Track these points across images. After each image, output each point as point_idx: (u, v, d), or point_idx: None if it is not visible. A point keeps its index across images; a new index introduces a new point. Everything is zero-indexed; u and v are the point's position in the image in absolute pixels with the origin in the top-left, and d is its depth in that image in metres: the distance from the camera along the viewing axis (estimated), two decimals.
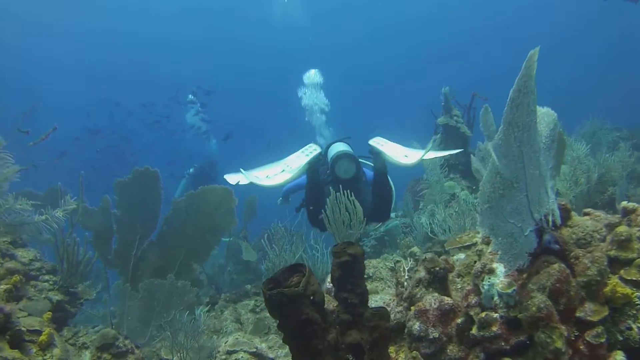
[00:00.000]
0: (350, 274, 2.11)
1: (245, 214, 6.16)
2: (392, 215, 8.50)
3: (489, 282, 2.16)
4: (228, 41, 27.62)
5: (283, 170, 4.02)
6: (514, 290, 2.06)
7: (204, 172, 9.95)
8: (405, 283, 2.66)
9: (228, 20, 26.13)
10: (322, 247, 5.96)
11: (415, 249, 4.35)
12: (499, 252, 2.08)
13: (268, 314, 4.83)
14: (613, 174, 5.34)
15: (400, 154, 4.24)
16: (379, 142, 4.42)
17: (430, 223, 5.16)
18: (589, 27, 27.92)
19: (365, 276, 4.03)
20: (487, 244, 2.49)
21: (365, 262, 4.23)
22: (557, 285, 1.96)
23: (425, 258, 2.59)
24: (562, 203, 2.39)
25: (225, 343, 3.74)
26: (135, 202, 3.69)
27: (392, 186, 4.48)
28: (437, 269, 2.43)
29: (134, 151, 19.53)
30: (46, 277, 3.59)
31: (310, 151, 4.34)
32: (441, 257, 2.67)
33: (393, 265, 4.14)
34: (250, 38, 27.23)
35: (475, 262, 2.57)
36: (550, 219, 2.19)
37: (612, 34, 27.41)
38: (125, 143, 19.45)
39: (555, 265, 2.00)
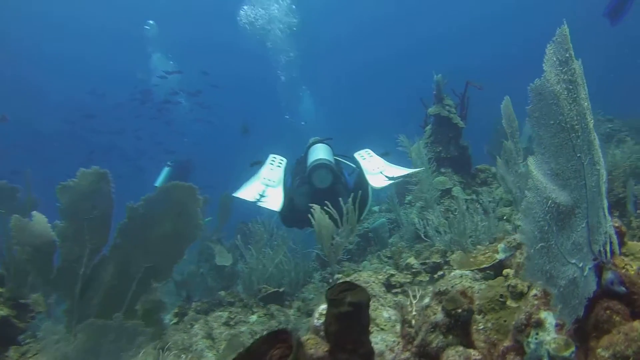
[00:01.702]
0: (351, 328, 1.54)
1: (219, 215, 5.52)
2: (376, 209, 8.01)
3: (536, 339, 1.57)
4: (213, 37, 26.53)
5: (268, 186, 3.80)
6: (573, 353, 1.49)
7: (184, 167, 9.41)
8: (414, 321, 2.08)
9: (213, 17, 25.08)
10: (302, 247, 5.47)
11: (411, 260, 3.80)
12: (559, 306, 1.50)
13: (243, 328, 4.33)
14: (618, 172, 4.86)
15: (376, 169, 4.05)
16: (361, 155, 4.27)
17: (424, 225, 4.60)
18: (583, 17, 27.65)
19: None
20: (521, 277, 1.93)
21: (354, 274, 3.71)
22: None
23: (441, 291, 2.02)
24: (617, 225, 1.82)
25: None
26: (83, 210, 3.03)
27: (370, 196, 4.26)
28: (460, 311, 1.84)
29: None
30: None
31: (279, 162, 4.20)
32: (459, 287, 2.10)
33: (387, 278, 3.58)
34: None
35: (501, 295, 2.00)
36: (608, 248, 1.62)
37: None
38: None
39: (637, 325, 1.43)
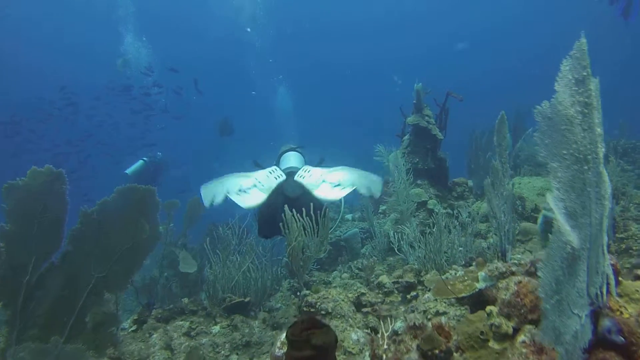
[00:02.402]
0: None
1: (185, 219, 5.23)
2: (349, 217, 7.82)
3: None
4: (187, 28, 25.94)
5: (255, 186, 3.80)
6: None
7: (157, 165, 9.11)
8: (385, 356, 1.87)
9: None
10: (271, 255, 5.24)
11: (383, 278, 3.60)
12: None
13: (204, 340, 4.07)
14: None
15: (319, 180, 3.99)
16: (301, 175, 4.13)
17: (398, 239, 4.41)
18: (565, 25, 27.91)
19: (324, 312, 3.28)
20: (506, 315, 1.74)
21: (323, 291, 3.50)
22: None
23: (416, 325, 1.81)
24: (613, 262, 1.64)
25: None
26: (32, 213, 2.73)
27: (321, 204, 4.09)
28: (437, 352, 1.64)
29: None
30: None
31: (278, 175, 4.10)
32: (434, 321, 1.89)
33: (357, 297, 3.37)
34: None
35: (482, 332, 1.81)
36: (604, 290, 1.44)
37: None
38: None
39: None
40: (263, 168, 4.37)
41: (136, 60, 15.36)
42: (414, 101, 5.56)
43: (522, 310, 1.70)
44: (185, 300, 4.41)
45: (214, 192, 3.62)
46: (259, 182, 3.90)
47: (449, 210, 5.54)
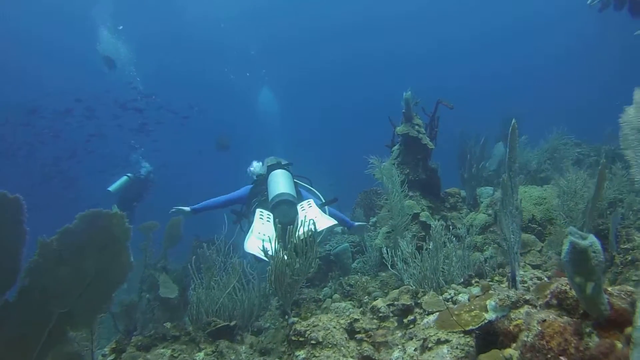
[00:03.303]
0: None
1: (165, 240, 4.89)
2: (339, 229, 7.54)
3: None
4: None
5: (264, 240, 3.74)
6: None
7: (142, 183, 8.85)
8: None
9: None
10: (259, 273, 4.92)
11: (379, 302, 3.28)
12: None
13: None
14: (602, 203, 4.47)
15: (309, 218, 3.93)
16: (302, 206, 4.37)
17: (391, 254, 4.11)
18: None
19: (314, 342, 2.97)
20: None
21: (312, 318, 3.19)
22: None
23: None
24: None
25: None
26: None
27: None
28: None
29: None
30: None
31: (267, 217, 4.24)
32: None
33: (350, 323, 3.05)
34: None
35: None
36: None
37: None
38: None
39: None
40: (240, 213, 4.90)
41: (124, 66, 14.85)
42: (403, 110, 5.28)
43: (549, 356, 1.40)
44: (168, 324, 4.09)
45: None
46: (263, 234, 3.99)
47: (443, 222, 5.27)
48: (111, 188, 8.05)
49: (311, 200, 4.40)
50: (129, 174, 8.49)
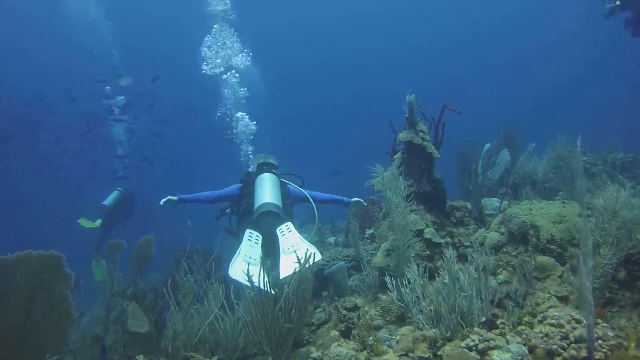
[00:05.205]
0: None
1: (133, 264, 4.18)
2: (332, 240, 6.92)
3: None
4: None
5: (250, 264, 3.70)
6: None
7: (131, 196, 8.63)
8: None
9: None
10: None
11: (390, 356, 2.63)
12: None
13: None
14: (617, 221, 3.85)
15: (291, 247, 3.94)
16: (281, 230, 4.13)
17: (396, 285, 3.46)
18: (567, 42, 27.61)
19: None
20: None
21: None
22: None
23: None
24: None
25: None
26: None
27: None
28: None
29: None
30: None
31: (255, 238, 4.08)
32: None
33: None
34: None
35: None
36: None
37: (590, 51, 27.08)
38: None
39: None
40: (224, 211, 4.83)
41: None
42: (407, 115, 4.62)
43: None
44: (141, 358, 3.44)
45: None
46: (249, 257, 3.85)
47: (449, 239, 4.63)
48: (106, 202, 7.82)
49: (290, 224, 4.16)
50: (119, 188, 8.28)
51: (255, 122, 7.00)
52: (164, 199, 4.57)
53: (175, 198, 4.57)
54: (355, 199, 5.16)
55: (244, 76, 7.46)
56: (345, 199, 5.14)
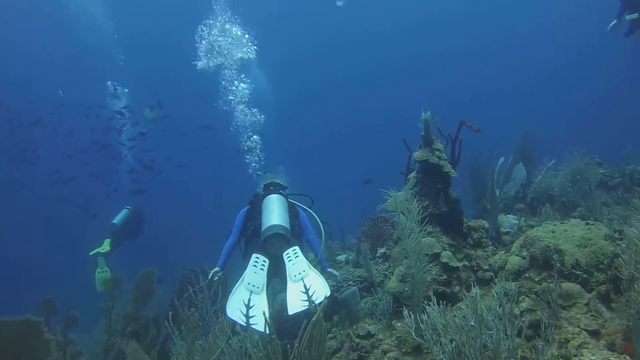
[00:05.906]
0: None
1: (133, 298, 3.93)
2: (342, 258, 6.69)
3: None
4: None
5: (252, 293, 3.69)
6: None
7: (140, 215, 8.57)
8: None
9: None
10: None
11: None
12: None
13: None
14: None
15: (298, 275, 3.88)
16: (288, 255, 4.04)
17: (415, 319, 3.21)
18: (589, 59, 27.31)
19: None
20: None
21: None
22: None
23: None
24: None
25: None
26: None
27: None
28: None
29: None
30: None
31: (262, 264, 3.98)
32: None
33: None
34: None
35: None
36: None
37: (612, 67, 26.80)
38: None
39: None
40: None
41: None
42: (422, 133, 4.38)
43: None
44: None
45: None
46: (252, 285, 3.77)
47: (466, 263, 4.38)
48: (116, 220, 7.81)
49: (297, 248, 4.06)
50: (128, 207, 8.25)
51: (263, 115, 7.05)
52: (211, 276, 4.33)
53: (217, 269, 4.34)
54: (330, 271, 4.52)
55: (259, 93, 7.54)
56: (325, 263, 4.61)
